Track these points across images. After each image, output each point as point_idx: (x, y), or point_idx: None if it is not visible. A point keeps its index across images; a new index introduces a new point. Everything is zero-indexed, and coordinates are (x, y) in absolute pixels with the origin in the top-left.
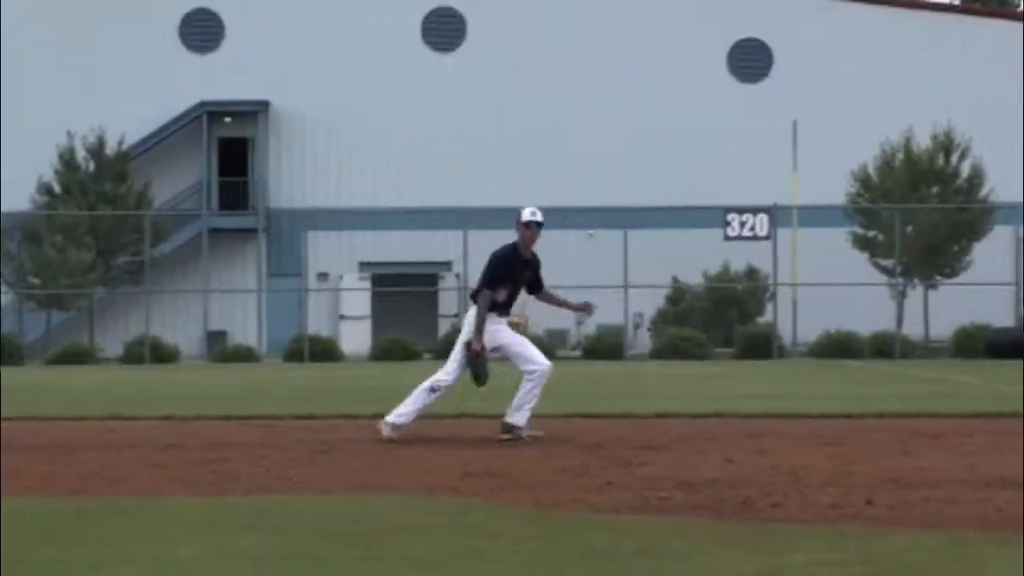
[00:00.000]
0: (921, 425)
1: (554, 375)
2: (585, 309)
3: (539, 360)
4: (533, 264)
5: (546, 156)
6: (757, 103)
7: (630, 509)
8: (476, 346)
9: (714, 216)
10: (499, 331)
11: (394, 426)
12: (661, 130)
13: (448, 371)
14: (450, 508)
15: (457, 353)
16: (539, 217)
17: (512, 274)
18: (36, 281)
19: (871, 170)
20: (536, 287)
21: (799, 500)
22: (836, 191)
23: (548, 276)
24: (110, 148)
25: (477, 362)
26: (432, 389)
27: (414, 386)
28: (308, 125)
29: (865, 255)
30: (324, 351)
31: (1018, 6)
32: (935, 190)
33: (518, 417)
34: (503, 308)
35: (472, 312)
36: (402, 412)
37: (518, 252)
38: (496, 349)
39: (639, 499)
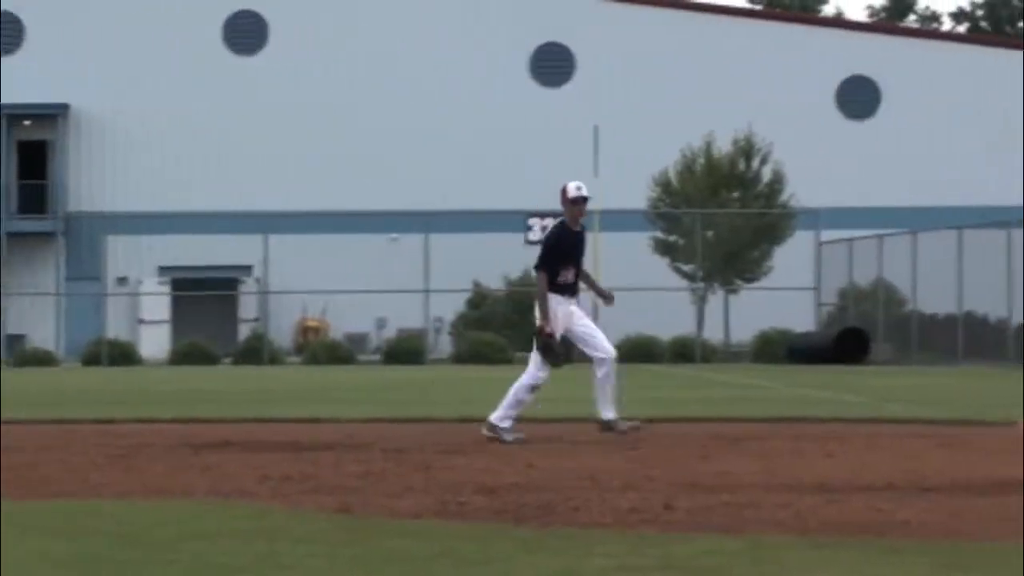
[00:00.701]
0: (721, 429)
1: (357, 379)
2: (608, 298)
3: (604, 348)
4: (584, 238)
5: (347, 159)
6: (559, 107)
7: (431, 514)
8: (548, 329)
9: (516, 220)
10: (571, 315)
11: (495, 427)
12: (463, 133)
13: (540, 365)
14: (250, 512)
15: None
16: (585, 192)
17: (567, 251)
18: None
19: (672, 175)
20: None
21: (599, 504)
22: (638, 196)
23: (344, 279)
24: None
25: (550, 343)
26: (532, 388)
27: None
28: (107, 128)
29: (666, 260)
30: (123, 355)
31: (820, 12)
32: (736, 195)
33: (608, 411)
34: (569, 289)
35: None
36: (503, 415)
37: (567, 228)
38: (568, 331)
39: (440, 504)
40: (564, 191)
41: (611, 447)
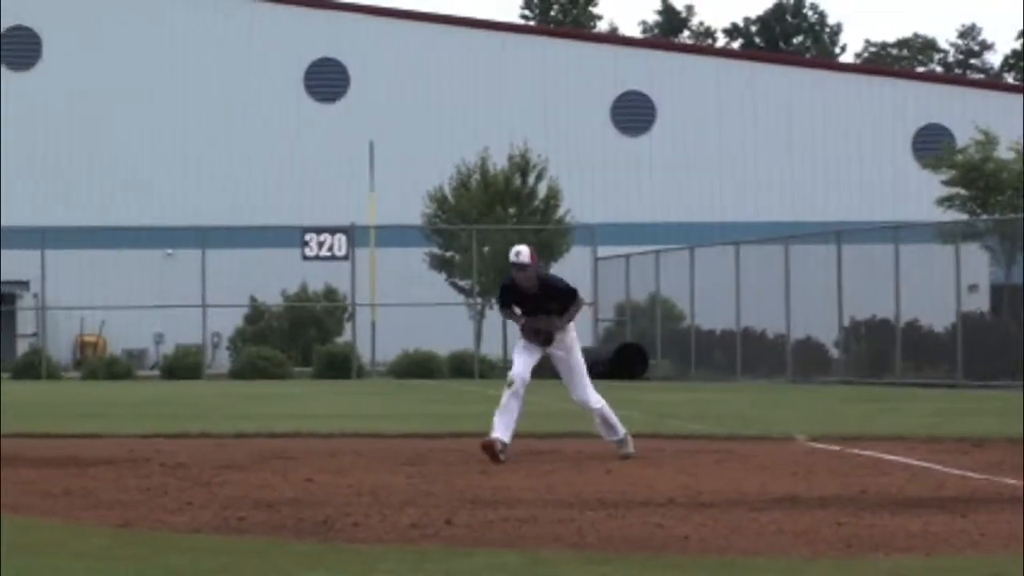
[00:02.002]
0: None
1: (135, 394)
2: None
3: (581, 396)
4: (543, 296)
5: (123, 174)
6: (334, 123)
7: (210, 528)
8: (519, 321)
9: (292, 235)
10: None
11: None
12: (239, 148)
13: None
14: (30, 527)
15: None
16: (518, 258)
17: (517, 301)
18: None
19: (447, 191)
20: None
21: (379, 519)
22: (413, 211)
23: (122, 294)
24: None
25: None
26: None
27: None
28: None
29: (443, 275)
30: None
31: (593, 27)
32: (512, 211)
33: (616, 435)
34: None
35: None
36: (611, 434)
37: (515, 284)
38: (559, 351)
39: (219, 519)
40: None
41: (390, 463)
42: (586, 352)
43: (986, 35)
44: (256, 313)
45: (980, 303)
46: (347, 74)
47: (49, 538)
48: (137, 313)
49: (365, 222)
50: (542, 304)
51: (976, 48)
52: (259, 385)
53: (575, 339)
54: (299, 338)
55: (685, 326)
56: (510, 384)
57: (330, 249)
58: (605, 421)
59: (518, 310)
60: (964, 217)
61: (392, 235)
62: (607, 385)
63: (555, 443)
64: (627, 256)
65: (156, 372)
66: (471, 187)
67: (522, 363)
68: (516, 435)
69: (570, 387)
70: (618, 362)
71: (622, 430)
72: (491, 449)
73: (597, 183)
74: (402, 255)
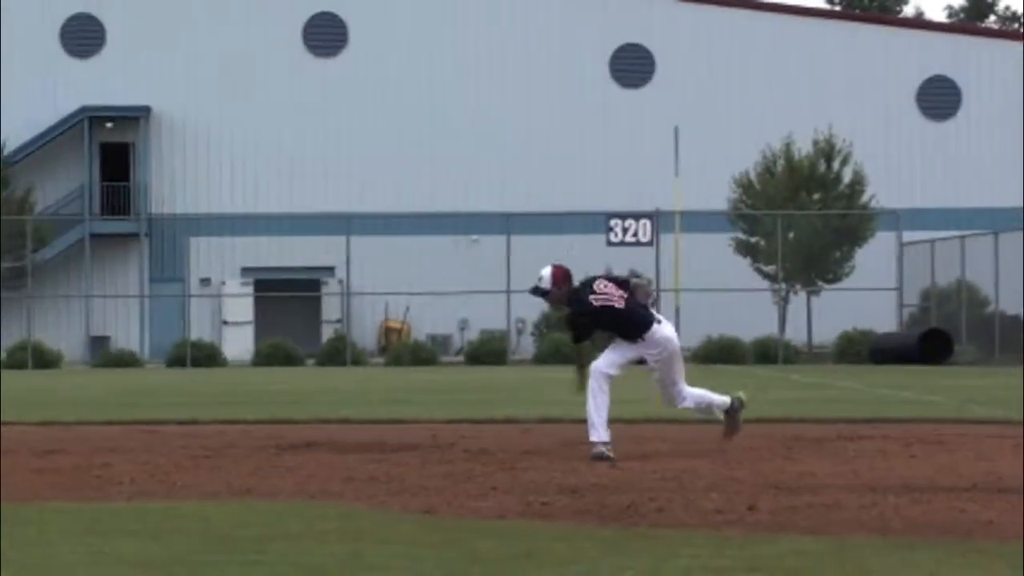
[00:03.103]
0: (804, 430)
1: (440, 380)
2: None
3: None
4: (577, 309)
5: (429, 160)
6: (640, 108)
7: (515, 514)
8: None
9: (597, 221)
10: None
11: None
12: (544, 135)
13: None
14: (335, 513)
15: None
16: (542, 284)
17: (574, 324)
18: None
19: (752, 176)
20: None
21: (683, 505)
22: (718, 197)
23: (427, 280)
24: None
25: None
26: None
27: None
28: (189, 130)
29: (748, 261)
30: (207, 356)
31: (900, 12)
32: (817, 196)
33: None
34: (615, 336)
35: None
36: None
37: (585, 308)
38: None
39: (523, 504)
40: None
41: (694, 448)
42: (890, 337)
43: None
44: None
45: None
46: (653, 59)
47: (354, 524)
48: (441, 299)
49: (670, 207)
50: (581, 314)
51: None
52: (563, 371)
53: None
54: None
55: (990, 311)
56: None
57: (635, 235)
58: (702, 409)
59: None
60: None
61: (697, 220)
62: (912, 370)
63: (859, 428)
64: (932, 241)
65: (461, 358)
66: (776, 172)
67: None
68: (820, 421)
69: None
70: (923, 347)
71: (720, 399)
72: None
73: (903, 168)
74: (707, 240)
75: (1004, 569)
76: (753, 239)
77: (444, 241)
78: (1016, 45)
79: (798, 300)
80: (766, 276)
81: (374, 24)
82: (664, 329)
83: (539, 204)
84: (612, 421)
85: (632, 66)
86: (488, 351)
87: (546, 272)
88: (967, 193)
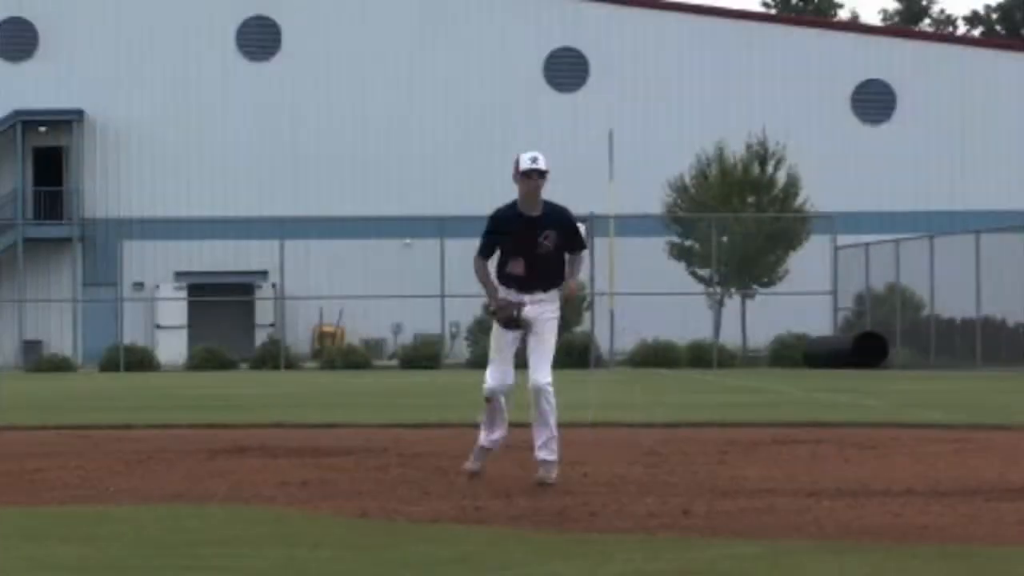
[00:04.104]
0: (738, 435)
1: (374, 384)
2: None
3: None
4: (548, 222)
5: (363, 164)
6: (575, 112)
7: (448, 518)
8: (492, 304)
9: None
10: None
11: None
12: (479, 139)
13: (489, 372)
14: (268, 517)
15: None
16: (541, 164)
17: (513, 238)
18: None
19: (687, 180)
20: (573, 247)
21: (616, 510)
22: (653, 200)
23: (361, 284)
24: None
25: (502, 314)
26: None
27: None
28: (123, 134)
29: (683, 264)
30: (140, 361)
31: (834, 15)
32: (751, 200)
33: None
34: (517, 283)
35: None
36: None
37: (515, 210)
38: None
39: (457, 508)
40: (516, 163)
41: (628, 453)
42: (825, 341)
43: None
44: None
45: None
46: (587, 63)
47: (287, 529)
48: (375, 303)
49: (604, 211)
50: (547, 230)
51: None
52: None
53: (556, 308)
54: None
55: (925, 315)
56: (489, 399)
57: None
58: (545, 420)
59: (510, 267)
60: None
61: (631, 224)
62: (846, 374)
63: (793, 432)
64: (867, 245)
65: (394, 362)
66: (710, 176)
67: (499, 372)
68: (755, 424)
69: (530, 355)
70: (857, 351)
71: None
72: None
73: (837, 172)
74: (641, 244)
75: (940, 572)
76: (687, 243)
77: (378, 245)
78: (950, 48)
79: (733, 304)
80: (701, 280)
81: (308, 28)
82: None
83: (473, 207)
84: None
85: (566, 70)
86: (422, 355)
87: (540, 155)
88: (902, 197)
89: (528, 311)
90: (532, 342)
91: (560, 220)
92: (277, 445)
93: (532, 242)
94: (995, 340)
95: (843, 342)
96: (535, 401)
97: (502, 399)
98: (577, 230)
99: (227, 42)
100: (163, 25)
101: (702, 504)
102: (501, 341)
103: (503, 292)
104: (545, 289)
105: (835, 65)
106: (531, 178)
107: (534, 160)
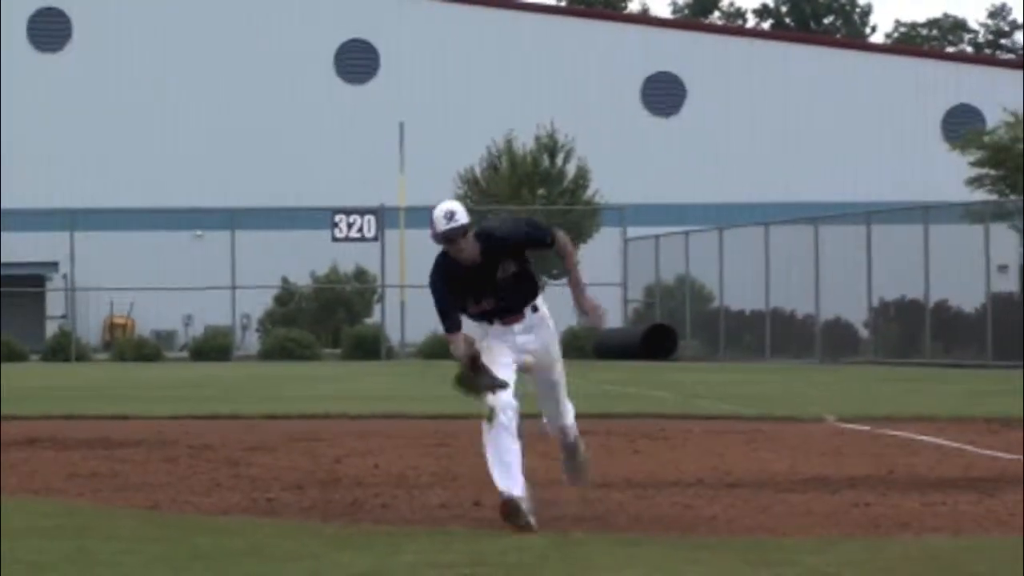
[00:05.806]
0: (528, 426)
1: (164, 376)
2: (591, 314)
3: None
4: (495, 256)
5: (151, 155)
6: (365, 104)
7: (239, 510)
8: (456, 352)
9: (322, 217)
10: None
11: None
12: (269, 131)
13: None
14: (59, 509)
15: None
16: (459, 220)
17: (466, 287)
18: None
19: (478, 172)
20: (541, 247)
21: (407, 501)
22: (444, 193)
23: (152, 276)
24: None
25: (468, 373)
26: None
27: None
28: None
29: None
30: None
31: (624, 8)
32: (541, 192)
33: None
34: (496, 313)
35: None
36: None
37: (450, 259)
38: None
39: (248, 500)
40: (430, 222)
41: (419, 444)
42: (615, 333)
43: (1016, 15)
44: (286, 295)
45: (1010, 283)
46: (378, 55)
47: (78, 521)
48: (166, 295)
49: (395, 203)
50: (494, 273)
51: (1006, 28)
52: (288, 367)
53: (550, 321)
54: (328, 320)
55: (714, 307)
56: (491, 418)
57: (360, 230)
58: (575, 457)
59: (475, 309)
60: (993, 198)
61: (422, 216)
62: (636, 366)
63: (583, 424)
64: (656, 237)
65: (185, 354)
66: (500, 168)
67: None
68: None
69: (544, 402)
70: (647, 343)
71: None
72: (512, 513)
73: (627, 164)
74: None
75: (729, 563)
76: None
77: (169, 236)
78: (740, 41)
79: None
80: None
81: (100, 18)
82: None
83: (264, 199)
84: (328, 417)
85: (357, 62)
86: (213, 347)
87: (457, 206)
88: (692, 189)
89: (528, 357)
90: (542, 388)
91: (505, 246)
92: (68, 437)
93: (490, 279)
94: (784, 332)
95: (633, 334)
96: (563, 448)
97: (511, 413)
98: (527, 235)
99: (18, 32)
100: None
101: (491, 495)
102: (495, 354)
103: (478, 331)
104: (521, 308)
105: (625, 58)
106: (454, 242)
107: (449, 217)
